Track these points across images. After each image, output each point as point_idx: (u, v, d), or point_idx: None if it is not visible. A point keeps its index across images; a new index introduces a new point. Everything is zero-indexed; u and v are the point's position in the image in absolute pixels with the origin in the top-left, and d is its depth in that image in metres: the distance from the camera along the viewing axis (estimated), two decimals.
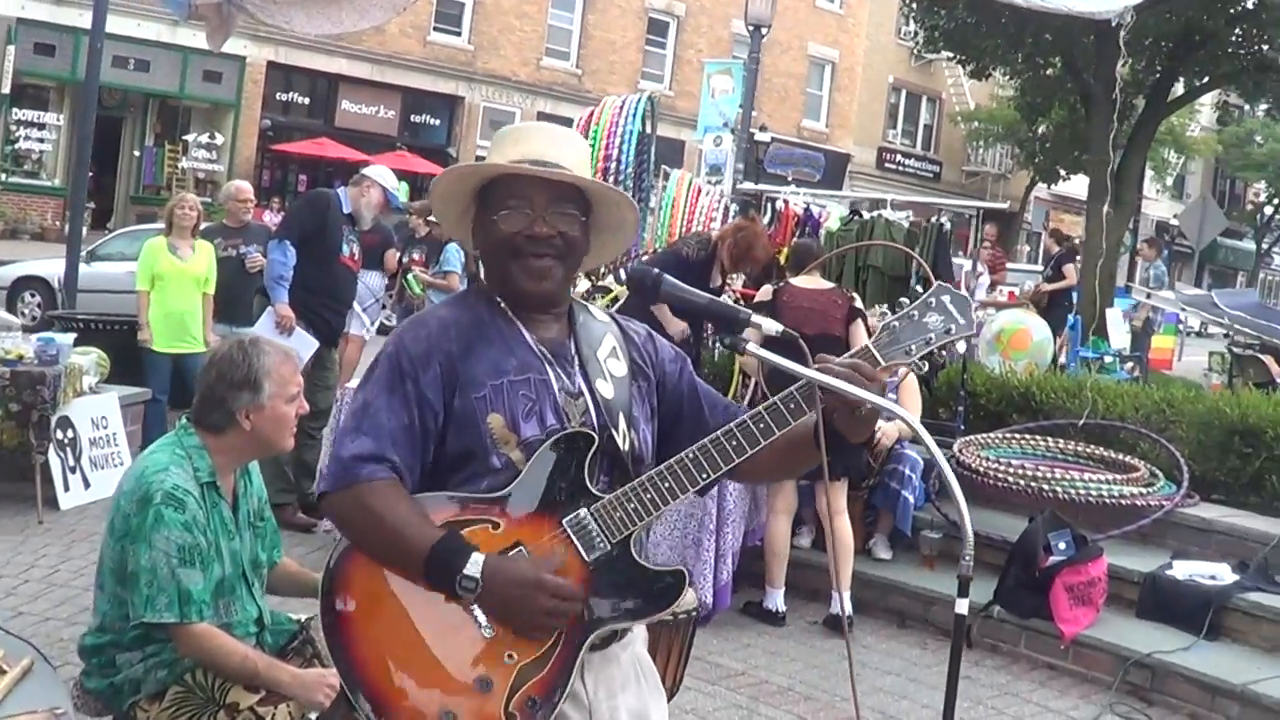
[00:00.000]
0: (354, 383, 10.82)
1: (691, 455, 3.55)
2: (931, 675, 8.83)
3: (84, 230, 15.74)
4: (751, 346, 3.66)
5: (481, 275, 3.86)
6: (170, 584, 4.69)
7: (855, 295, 10.52)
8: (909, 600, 9.97)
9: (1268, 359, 16.54)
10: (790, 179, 35.99)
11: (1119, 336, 22.50)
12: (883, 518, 10.52)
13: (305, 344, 10.62)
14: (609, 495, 3.54)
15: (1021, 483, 10.30)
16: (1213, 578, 9.32)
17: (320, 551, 10.11)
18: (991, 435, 11.53)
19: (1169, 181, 64.94)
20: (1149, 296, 21.07)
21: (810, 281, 10.38)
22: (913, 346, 3.63)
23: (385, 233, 15.19)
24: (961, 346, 3.65)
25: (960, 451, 10.82)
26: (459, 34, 45.98)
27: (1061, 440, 11.17)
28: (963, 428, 11.85)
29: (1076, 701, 8.60)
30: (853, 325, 9.84)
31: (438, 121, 46.51)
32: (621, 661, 3.75)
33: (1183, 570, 9.48)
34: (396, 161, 36.31)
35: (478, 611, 3.42)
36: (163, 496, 4.74)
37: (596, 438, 3.57)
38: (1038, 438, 11.25)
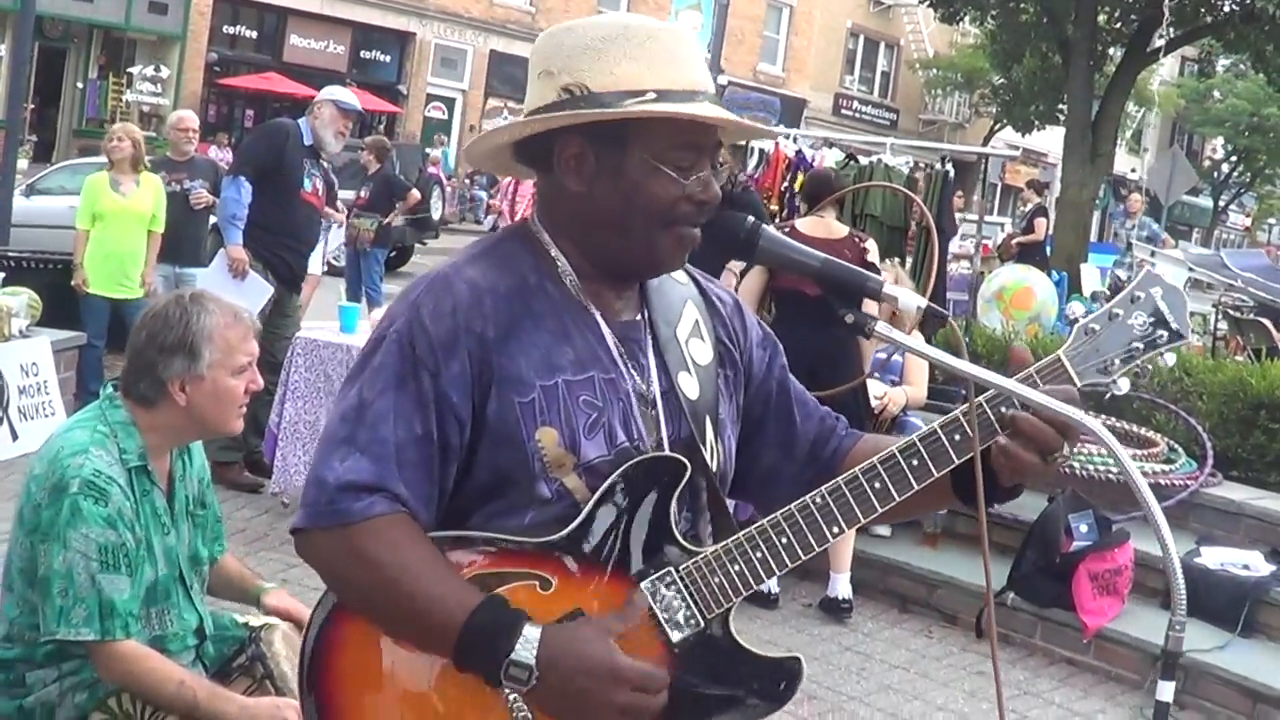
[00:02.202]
0: (305, 330, 10.06)
1: (819, 501, 2.58)
2: (941, 669, 8.08)
3: (26, 164, 14.96)
4: (883, 327, 2.65)
5: (520, 212, 2.83)
6: (90, 593, 3.83)
7: (870, 244, 9.11)
8: (911, 583, 9.12)
9: (1267, 322, 15.80)
10: None
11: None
12: None
13: (259, 289, 9.92)
14: (705, 551, 2.57)
15: None
16: (1245, 567, 8.50)
17: (268, 515, 9.39)
18: None
19: (1127, 135, 64.63)
20: (1153, 255, 20.28)
21: (818, 227, 8.95)
22: (1116, 360, 2.64)
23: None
24: (1170, 359, 2.57)
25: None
26: None
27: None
28: (963, 394, 10.99)
29: (1103, 704, 7.82)
30: None
31: (388, 58, 45.80)
32: None
33: (1212, 558, 8.62)
34: None
35: (518, 704, 2.48)
36: (80, 485, 3.86)
37: (688, 465, 2.57)
38: None
